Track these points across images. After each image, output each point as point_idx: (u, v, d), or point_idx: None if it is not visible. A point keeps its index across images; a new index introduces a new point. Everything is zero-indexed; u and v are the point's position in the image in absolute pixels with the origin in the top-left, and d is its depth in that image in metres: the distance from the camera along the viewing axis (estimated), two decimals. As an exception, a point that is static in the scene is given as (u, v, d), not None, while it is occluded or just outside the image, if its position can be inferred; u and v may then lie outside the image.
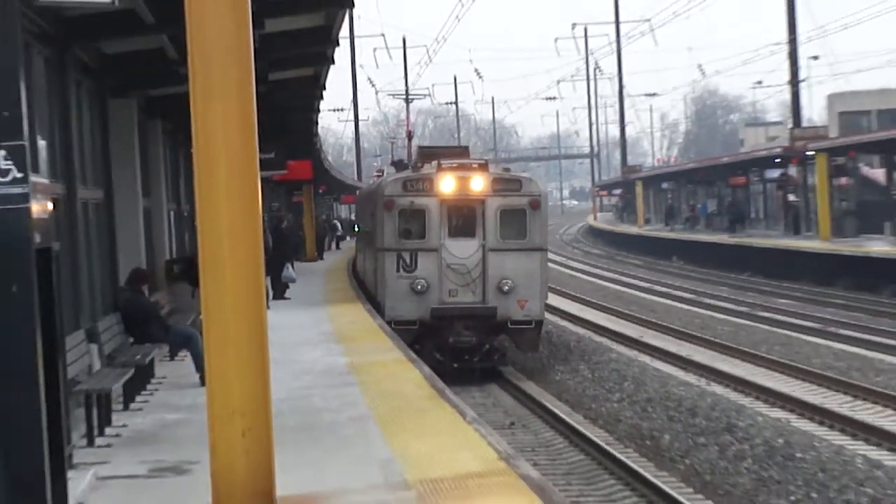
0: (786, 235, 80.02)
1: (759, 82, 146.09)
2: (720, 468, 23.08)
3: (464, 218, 34.90)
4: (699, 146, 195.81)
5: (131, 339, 24.09)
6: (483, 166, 35.99)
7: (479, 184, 34.66)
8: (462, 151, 43.37)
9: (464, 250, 34.57)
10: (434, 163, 36.09)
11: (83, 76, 24.60)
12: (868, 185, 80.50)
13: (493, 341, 34.84)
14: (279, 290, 41.99)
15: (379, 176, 66.49)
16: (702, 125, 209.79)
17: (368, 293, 41.73)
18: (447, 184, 34.75)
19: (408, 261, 34.58)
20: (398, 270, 34.65)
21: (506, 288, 34.26)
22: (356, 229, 59.74)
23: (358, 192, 77.88)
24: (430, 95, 73.89)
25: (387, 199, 35.09)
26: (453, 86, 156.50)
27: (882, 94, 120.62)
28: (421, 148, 45.30)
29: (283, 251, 43.74)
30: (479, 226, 34.70)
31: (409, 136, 79.79)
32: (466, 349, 34.21)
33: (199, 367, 22.85)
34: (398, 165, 47.33)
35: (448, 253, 34.64)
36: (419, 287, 34.43)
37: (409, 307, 34.48)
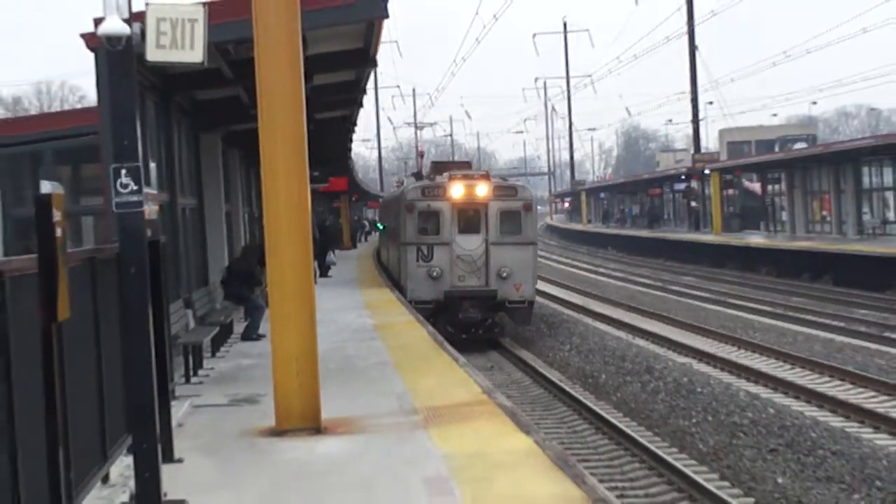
0: (689, 231, 79.98)
1: (670, 120, 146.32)
2: (642, 399, 23.09)
3: (470, 218, 33.11)
4: (627, 166, 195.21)
5: (224, 293, 24.26)
6: (486, 176, 34.29)
7: (482, 190, 33.05)
8: (466, 164, 42.39)
9: (471, 244, 32.87)
10: (446, 174, 34.56)
11: (182, 116, 24.59)
12: (748, 195, 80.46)
13: (493, 317, 33.18)
14: (324, 270, 41.93)
15: (399, 185, 64.40)
16: (628, 151, 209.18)
17: (392, 278, 39.67)
18: (457, 190, 33.02)
19: (425, 252, 32.87)
20: (418, 260, 32.87)
21: (504, 274, 32.55)
22: (381, 227, 57.26)
23: (381, 200, 75.75)
24: (435, 124, 74.34)
25: (409, 203, 33.31)
26: (449, 122, 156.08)
27: (758, 129, 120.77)
28: (434, 163, 42.47)
29: (327, 242, 43.68)
30: (483, 224, 32.94)
31: (421, 154, 77.22)
32: (472, 323, 32.73)
33: (248, 329, 22.86)
34: (417, 176, 44.14)
35: (458, 246, 32.87)
36: (435, 273, 32.68)
37: (427, 290, 32.71)
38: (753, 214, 73.82)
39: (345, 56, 24.66)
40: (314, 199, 59.55)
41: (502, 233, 32.82)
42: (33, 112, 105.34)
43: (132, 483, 10.05)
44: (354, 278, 42.13)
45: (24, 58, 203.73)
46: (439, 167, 38.73)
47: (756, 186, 78.47)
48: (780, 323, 33.54)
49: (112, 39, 9.64)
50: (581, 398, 23.26)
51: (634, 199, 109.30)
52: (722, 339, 30.62)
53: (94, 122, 17.47)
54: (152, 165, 20.24)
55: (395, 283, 37.35)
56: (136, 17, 10.05)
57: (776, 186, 69.99)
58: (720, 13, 68.86)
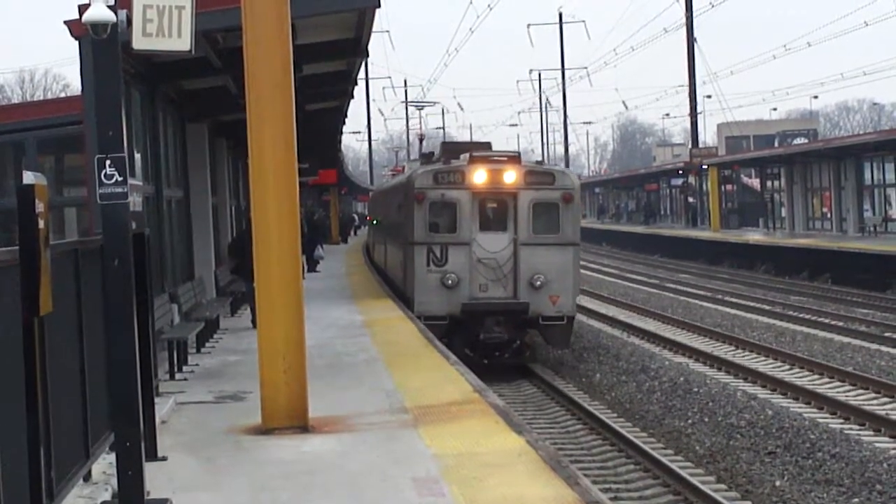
0: (686, 227, 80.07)
1: (667, 114, 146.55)
2: (637, 399, 23.11)
3: (495, 211, 27.20)
4: (622, 161, 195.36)
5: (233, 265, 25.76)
6: (515, 158, 27.87)
7: (511, 176, 26.85)
8: (486, 146, 33.57)
9: (495, 244, 26.85)
10: (465, 155, 28.14)
11: (168, 106, 24.55)
12: (747, 191, 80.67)
13: (523, 337, 27.31)
14: (311, 265, 41.88)
15: (394, 175, 56.79)
16: (625, 145, 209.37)
17: (393, 286, 33.36)
18: (479, 176, 26.85)
19: (438, 255, 26.83)
20: (428, 265, 26.82)
21: (538, 283, 26.55)
22: (374, 222, 51.01)
23: (372, 192, 70.29)
24: (437, 104, 69.64)
25: (417, 192, 27.02)
26: (441, 114, 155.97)
27: (757, 124, 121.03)
28: (445, 143, 34.82)
29: (315, 236, 43.64)
30: (511, 219, 26.94)
31: (421, 138, 67.38)
32: (497, 345, 26.80)
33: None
34: (427, 158, 34.83)
35: (479, 247, 26.82)
36: (449, 282, 26.58)
37: (439, 302, 26.73)
38: (752, 211, 73.97)
39: (336, 46, 24.64)
40: (303, 193, 59.32)
41: (536, 230, 26.97)
42: (16, 101, 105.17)
43: (115, 481, 10.04)
44: (343, 272, 42.12)
45: (6, 45, 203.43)
46: (452, 149, 31.39)
47: (755, 182, 78.64)
48: (778, 322, 33.57)
49: (97, 27, 9.61)
50: (574, 397, 23.27)
51: (630, 195, 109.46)
52: (719, 339, 30.62)
53: (79, 112, 17.44)
54: (137, 156, 20.16)
55: (398, 292, 31.17)
56: (121, 4, 10.02)
57: (775, 182, 70.09)
58: (719, 5, 68.68)
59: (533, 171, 27.41)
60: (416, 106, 70.25)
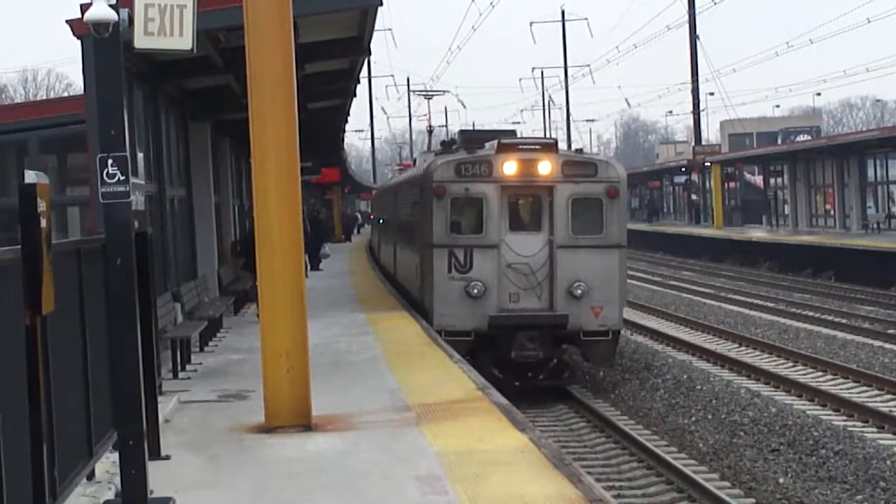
0: (689, 225, 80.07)
1: (670, 111, 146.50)
2: (640, 397, 23.09)
3: (528, 208, 23.66)
4: (626, 159, 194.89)
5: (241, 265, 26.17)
6: (551, 146, 24.00)
7: (546, 167, 23.16)
8: (511, 134, 29.25)
9: (528, 247, 23.25)
10: (493, 143, 24.17)
11: (170, 105, 24.57)
12: (750, 188, 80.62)
13: (561, 355, 23.34)
14: (315, 263, 41.90)
15: (402, 170, 52.47)
16: (628, 143, 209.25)
17: (406, 294, 29.59)
18: (509, 167, 23.17)
19: (461, 259, 23.12)
20: (450, 271, 23.16)
21: (578, 292, 22.94)
22: (380, 221, 46.31)
23: (377, 189, 66.41)
24: (447, 92, 65.57)
25: (437, 186, 23.33)
26: (444, 113, 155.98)
27: (760, 121, 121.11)
28: (463, 132, 30.12)
29: (320, 234, 43.68)
30: (547, 218, 23.33)
31: (430, 130, 60.79)
32: (530, 365, 23.11)
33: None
34: (446, 147, 29.46)
35: (509, 250, 23.19)
36: (475, 291, 22.93)
37: (463, 315, 23.10)
38: (755, 208, 73.94)
39: (338, 44, 24.65)
40: (306, 191, 59.37)
41: (575, 230, 23.27)
42: (19, 100, 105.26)
43: (118, 480, 10.05)
44: (347, 271, 42.12)
45: (9, 45, 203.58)
46: (472, 138, 27.37)
47: (758, 179, 78.58)
48: (781, 319, 33.56)
49: (99, 26, 9.62)
50: (579, 396, 23.25)
51: (633, 192, 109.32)
52: (722, 336, 30.61)
53: (81, 111, 17.46)
54: (140, 155, 20.21)
55: (413, 302, 27.37)
56: (123, 3, 10.04)
57: (778, 179, 70.09)
58: (722, 2, 68.60)
59: (572, 161, 23.67)
60: (425, 95, 64.13)
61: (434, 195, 23.29)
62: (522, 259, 23.24)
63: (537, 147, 23.90)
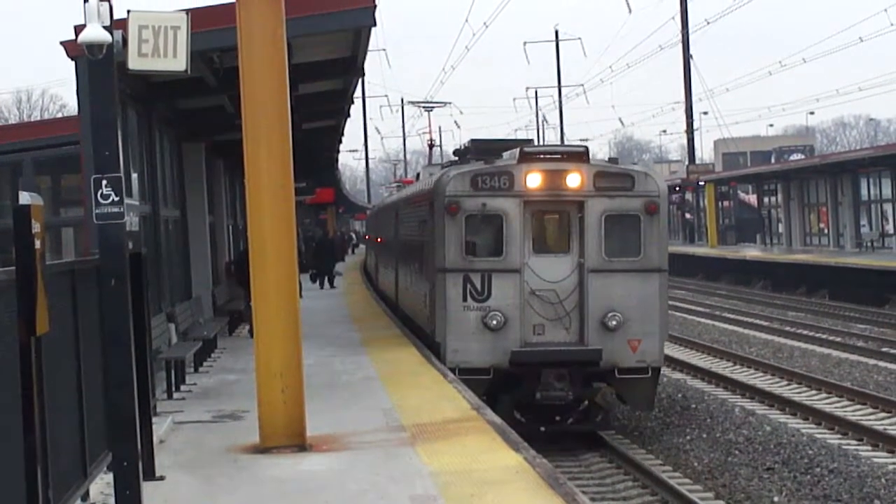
0: (684, 243, 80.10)
1: (664, 131, 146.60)
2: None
3: (555, 226, 20.79)
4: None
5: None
6: (581, 155, 20.59)
7: (576, 179, 20.18)
8: (529, 143, 27.09)
9: (555, 271, 20.33)
10: (513, 151, 21.23)
11: (164, 126, 24.59)
12: (744, 207, 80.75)
13: (593, 395, 20.40)
14: (331, 280, 42.47)
15: (400, 187, 48.18)
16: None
17: (413, 326, 25.44)
18: (533, 179, 20.19)
19: (478, 286, 20.19)
20: (465, 299, 20.22)
21: (612, 323, 20.01)
22: (378, 241, 43.24)
23: (373, 207, 63.87)
24: (449, 104, 64.63)
25: (449, 201, 20.30)
26: (438, 132, 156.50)
27: (754, 140, 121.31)
28: (475, 141, 25.86)
29: (333, 253, 43.80)
30: (576, 237, 20.40)
31: (431, 145, 57.38)
32: (558, 407, 20.22)
33: None
34: (461, 156, 25.93)
35: (533, 275, 20.27)
36: (494, 322, 19.99)
37: (481, 349, 20.15)
38: (749, 227, 74.04)
39: (332, 65, 24.69)
40: (300, 212, 59.27)
41: (609, 252, 20.30)
42: (13, 121, 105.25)
43: (112, 501, 10.04)
44: (341, 291, 42.09)
45: (3, 66, 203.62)
46: (483, 149, 24.31)
47: (752, 198, 78.70)
48: (775, 338, 33.57)
49: (93, 47, 9.65)
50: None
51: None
52: (716, 355, 30.62)
53: (75, 132, 17.47)
54: (134, 176, 20.22)
55: (420, 334, 23.81)
56: (117, 25, 10.08)
57: (772, 198, 70.20)
58: (714, 22, 68.72)
59: (605, 173, 20.57)
60: (425, 107, 61.32)
61: (446, 211, 20.35)
62: (548, 285, 20.37)
63: (565, 156, 20.78)
